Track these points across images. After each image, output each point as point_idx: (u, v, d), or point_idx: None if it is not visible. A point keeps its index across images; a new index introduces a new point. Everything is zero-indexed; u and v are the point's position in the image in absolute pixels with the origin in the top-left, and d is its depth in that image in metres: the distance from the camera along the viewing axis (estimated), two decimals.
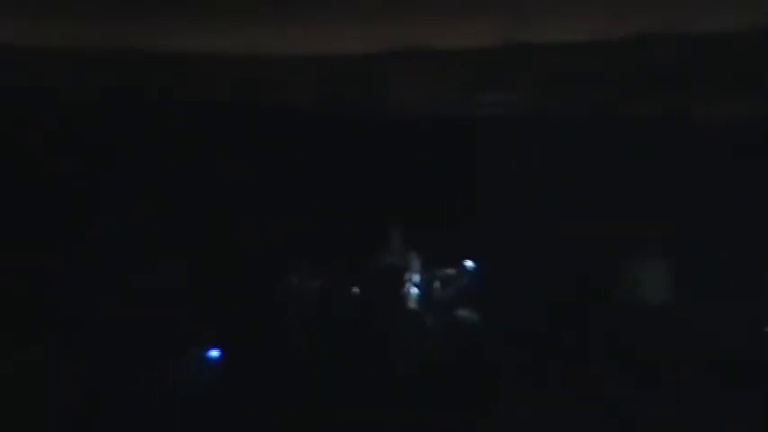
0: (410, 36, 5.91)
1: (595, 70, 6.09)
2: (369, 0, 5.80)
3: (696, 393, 4.93)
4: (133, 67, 5.86)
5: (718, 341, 5.34)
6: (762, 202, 5.68)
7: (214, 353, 5.33)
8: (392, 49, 5.92)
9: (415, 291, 5.65)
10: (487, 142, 6.01)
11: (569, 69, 6.10)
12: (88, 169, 6.04)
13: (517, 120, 6.16)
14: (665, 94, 6.05)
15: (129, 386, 4.99)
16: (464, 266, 5.77)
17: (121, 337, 5.35)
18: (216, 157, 5.96)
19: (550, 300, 5.64)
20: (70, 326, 5.47)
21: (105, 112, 6.02)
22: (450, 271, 5.75)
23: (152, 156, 5.98)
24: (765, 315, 5.49)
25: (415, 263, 5.67)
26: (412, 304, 5.65)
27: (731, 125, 5.89)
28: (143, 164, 6.00)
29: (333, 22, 5.81)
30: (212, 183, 5.96)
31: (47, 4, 5.87)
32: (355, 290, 5.63)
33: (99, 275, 5.76)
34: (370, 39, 5.86)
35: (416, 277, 5.66)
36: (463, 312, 5.65)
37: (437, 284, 5.70)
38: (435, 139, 6.12)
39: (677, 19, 5.73)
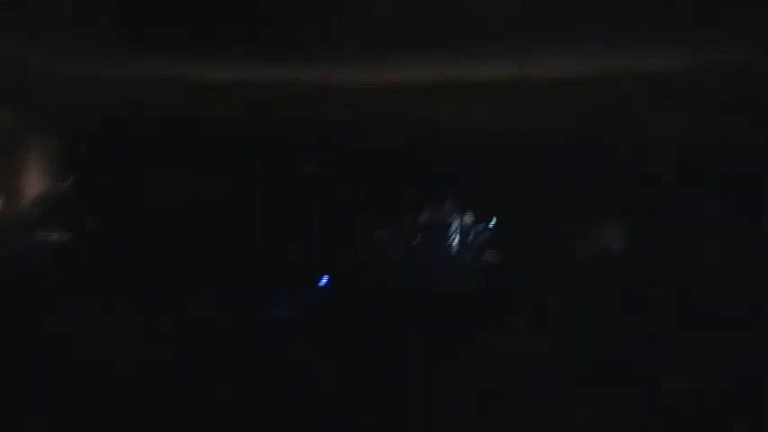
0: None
1: None
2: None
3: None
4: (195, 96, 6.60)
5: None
6: None
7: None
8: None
9: (455, 241, 7.80)
10: (504, 149, 7.47)
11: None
12: None
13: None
14: None
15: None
16: (489, 223, 7.93)
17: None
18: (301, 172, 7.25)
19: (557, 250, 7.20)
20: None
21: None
22: (479, 226, 7.93)
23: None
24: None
25: (455, 220, 7.81)
26: (453, 251, 7.80)
27: None
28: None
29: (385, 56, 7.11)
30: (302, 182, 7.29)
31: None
32: (414, 240, 7.77)
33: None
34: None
35: (456, 231, 7.82)
36: (489, 256, 7.66)
37: (471, 236, 7.72)
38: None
39: None
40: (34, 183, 6.57)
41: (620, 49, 7.42)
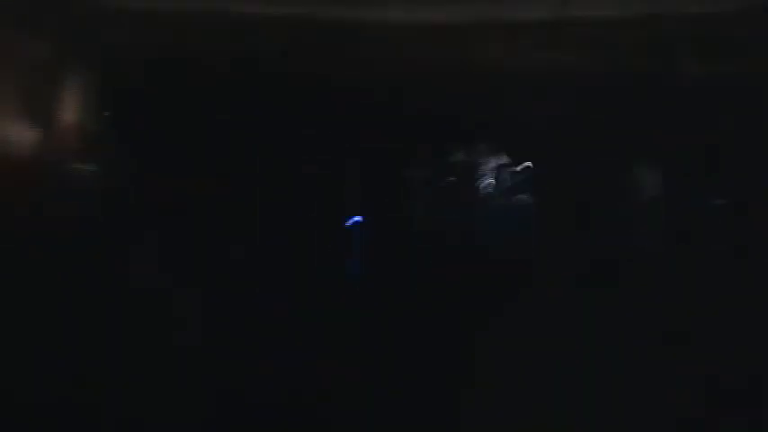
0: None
1: None
2: None
3: None
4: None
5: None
6: None
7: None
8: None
9: (490, 181, 7.88)
10: (544, 91, 7.78)
11: None
12: None
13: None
14: None
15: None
16: (523, 166, 7.98)
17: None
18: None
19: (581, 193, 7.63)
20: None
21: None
22: (514, 170, 7.96)
23: None
24: None
25: (490, 163, 7.91)
26: (488, 190, 7.89)
27: None
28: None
29: None
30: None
31: None
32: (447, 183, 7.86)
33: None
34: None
35: (490, 174, 7.90)
36: (521, 197, 7.85)
37: (505, 180, 7.93)
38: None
39: None
40: (72, 116, 6.76)
41: None
